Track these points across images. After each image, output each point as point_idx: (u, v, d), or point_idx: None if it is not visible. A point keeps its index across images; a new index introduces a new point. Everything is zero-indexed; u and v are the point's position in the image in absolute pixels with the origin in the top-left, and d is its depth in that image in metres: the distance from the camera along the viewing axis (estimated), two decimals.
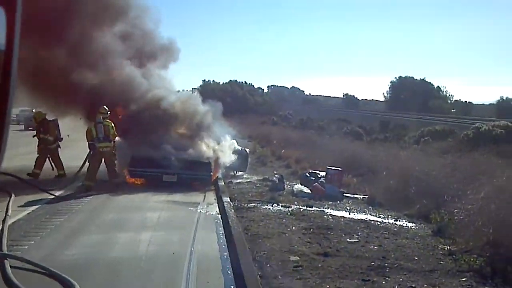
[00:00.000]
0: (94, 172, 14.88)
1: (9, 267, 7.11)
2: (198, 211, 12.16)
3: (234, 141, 20.20)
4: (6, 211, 10.73)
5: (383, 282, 7.17)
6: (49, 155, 16.33)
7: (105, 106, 15.31)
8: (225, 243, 9.21)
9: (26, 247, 8.46)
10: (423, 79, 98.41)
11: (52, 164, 16.42)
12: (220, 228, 10.41)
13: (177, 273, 7.46)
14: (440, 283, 7.28)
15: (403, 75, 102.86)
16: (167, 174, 15.59)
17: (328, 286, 6.94)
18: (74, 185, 14.87)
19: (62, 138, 17.07)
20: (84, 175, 15.02)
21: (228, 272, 7.63)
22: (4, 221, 9.83)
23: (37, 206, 11.91)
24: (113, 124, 15.16)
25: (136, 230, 10.02)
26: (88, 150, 15.20)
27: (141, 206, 12.64)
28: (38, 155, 16.27)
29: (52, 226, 10.01)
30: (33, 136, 16.79)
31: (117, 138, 15.59)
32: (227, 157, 17.99)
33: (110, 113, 15.34)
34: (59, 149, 16.71)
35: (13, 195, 12.53)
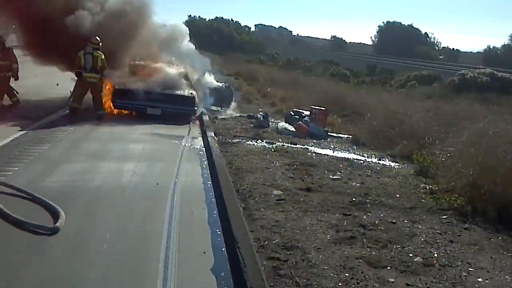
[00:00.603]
0: (79, 96, 14.87)
1: None
2: (183, 144, 12.15)
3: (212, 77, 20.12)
4: None
5: (364, 217, 7.28)
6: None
7: (97, 37, 15.03)
8: (209, 176, 9.25)
9: (10, 173, 8.41)
10: (411, 25, 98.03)
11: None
12: (204, 161, 10.43)
13: (161, 203, 7.50)
14: (420, 220, 7.40)
15: (391, 20, 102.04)
16: (151, 107, 15.50)
17: (309, 219, 7.03)
18: (59, 113, 14.81)
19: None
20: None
21: (212, 203, 7.69)
22: None
23: (20, 134, 11.81)
24: (103, 56, 14.92)
25: (119, 160, 9.99)
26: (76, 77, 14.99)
27: (125, 137, 12.57)
28: None
29: (36, 154, 9.94)
30: None
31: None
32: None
33: (101, 45, 15.05)
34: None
35: None
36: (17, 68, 15.38)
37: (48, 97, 17.05)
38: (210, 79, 20.15)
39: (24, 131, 12.06)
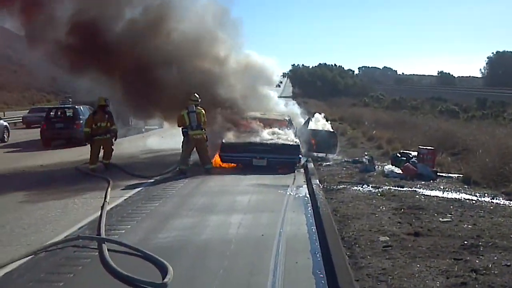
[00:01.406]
0: (187, 157, 15.43)
1: (106, 250, 7.48)
2: (288, 193, 12.21)
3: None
4: (105, 198, 11.28)
5: (476, 261, 6.92)
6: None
7: (195, 94, 15.68)
8: (314, 224, 9.21)
9: (123, 231, 8.84)
10: None
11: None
12: (309, 209, 10.41)
13: (266, 254, 7.54)
14: None
15: (501, 50, 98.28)
16: (256, 159, 15.84)
17: (418, 265, 6.79)
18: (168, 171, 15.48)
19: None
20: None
21: (317, 252, 7.63)
22: (102, 207, 10.33)
23: (133, 192, 12.43)
24: (204, 112, 15.48)
25: (226, 213, 10.21)
26: (182, 137, 15.61)
27: (232, 190, 12.87)
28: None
29: (147, 211, 10.38)
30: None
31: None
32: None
33: (200, 101, 15.66)
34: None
35: (111, 182, 13.18)
36: (116, 129, 16.59)
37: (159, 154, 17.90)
38: (315, 124, 20.33)
39: (137, 189, 12.69)
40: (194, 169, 15.76)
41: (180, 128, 15.59)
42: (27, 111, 43.49)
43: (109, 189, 12.39)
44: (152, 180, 14.08)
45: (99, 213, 9.88)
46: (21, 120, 41.34)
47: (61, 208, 10.67)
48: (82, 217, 9.88)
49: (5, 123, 29.48)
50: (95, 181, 13.89)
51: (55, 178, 14.50)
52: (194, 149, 15.51)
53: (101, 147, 15.93)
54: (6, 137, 28.54)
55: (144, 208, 10.68)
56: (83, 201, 11.35)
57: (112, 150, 16.22)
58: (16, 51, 71.02)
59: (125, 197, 11.80)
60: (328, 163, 17.44)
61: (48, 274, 6.71)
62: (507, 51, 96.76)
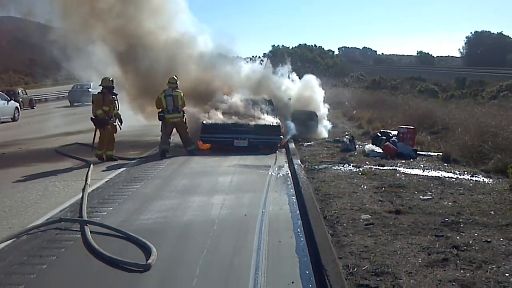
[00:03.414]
0: (166, 138, 15.37)
1: (89, 232, 7.47)
2: (269, 173, 12.24)
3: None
4: (86, 180, 11.22)
5: (457, 237, 7.01)
6: None
7: (174, 76, 15.63)
8: (296, 204, 9.25)
9: (105, 213, 8.80)
10: (501, 33, 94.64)
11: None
12: (291, 189, 10.46)
13: (249, 234, 7.57)
14: None
15: (479, 30, 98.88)
16: (238, 139, 15.83)
17: (400, 242, 6.86)
18: (149, 152, 15.44)
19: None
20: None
21: (299, 231, 7.67)
22: (84, 189, 10.28)
23: (114, 174, 12.37)
24: (182, 94, 15.46)
25: (208, 194, 10.20)
26: (159, 120, 15.56)
27: (213, 171, 12.86)
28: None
29: (129, 193, 10.35)
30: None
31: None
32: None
33: (179, 82, 15.62)
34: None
35: (92, 164, 13.10)
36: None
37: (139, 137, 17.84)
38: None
39: (118, 171, 12.64)
40: (176, 150, 15.74)
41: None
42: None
43: (90, 171, 12.32)
44: (133, 162, 14.02)
45: (81, 195, 9.86)
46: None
47: (41, 191, 10.59)
48: (63, 199, 9.82)
49: (16, 104, 31.18)
50: (75, 163, 13.79)
51: (34, 160, 14.34)
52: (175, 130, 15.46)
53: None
54: (17, 116, 30.48)
55: (125, 190, 10.64)
56: (63, 184, 11.27)
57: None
58: None
59: (106, 179, 11.74)
60: (309, 143, 17.47)
61: (30, 257, 6.67)
62: (486, 31, 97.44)
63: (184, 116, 15.61)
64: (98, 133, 14.69)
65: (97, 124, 14.55)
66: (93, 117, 14.60)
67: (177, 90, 15.46)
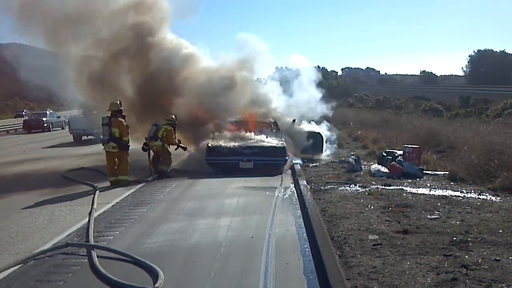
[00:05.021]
0: (151, 161, 16.15)
1: (96, 257, 7.44)
2: (276, 195, 12.21)
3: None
4: (92, 204, 11.22)
5: (466, 257, 6.97)
6: None
7: (173, 116, 16.66)
8: (303, 225, 9.22)
9: (112, 237, 8.79)
10: (503, 50, 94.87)
11: None
12: (298, 211, 10.42)
13: (257, 256, 7.53)
14: None
15: (482, 48, 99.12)
16: (243, 161, 15.84)
17: (408, 262, 6.82)
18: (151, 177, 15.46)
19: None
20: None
21: (307, 253, 7.63)
22: (90, 213, 10.27)
23: (120, 198, 12.37)
24: (168, 128, 16.15)
25: (215, 216, 10.18)
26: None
27: (220, 193, 12.85)
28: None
29: (135, 216, 10.33)
30: None
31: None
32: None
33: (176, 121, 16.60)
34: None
35: (97, 188, 13.12)
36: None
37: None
38: (301, 126, 20.36)
39: (124, 195, 12.65)
40: (180, 173, 15.82)
41: None
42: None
43: (96, 195, 12.33)
44: (139, 186, 14.03)
45: (87, 220, 9.83)
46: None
47: (48, 216, 10.58)
48: (70, 224, 9.80)
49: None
50: (81, 188, 13.80)
51: (41, 186, 14.35)
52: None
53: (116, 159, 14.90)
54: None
55: (132, 213, 10.63)
56: (70, 208, 11.27)
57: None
58: None
59: (112, 203, 11.73)
60: (315, 164, 17.47)
61: (37, 282, 6.65)
62: (488, 49, 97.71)
63: (163, 146, 16.10)
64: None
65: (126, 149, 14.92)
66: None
67: (166, 125, 16.29)
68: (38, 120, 44.51)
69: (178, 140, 16.55)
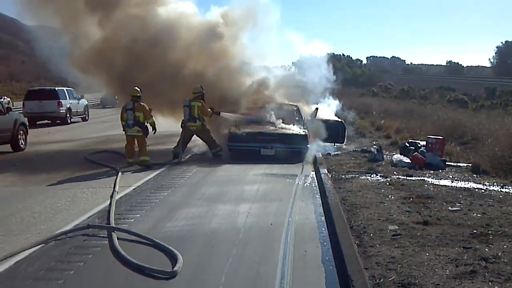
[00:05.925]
0: (182, 143, 16.34)
1: (116, 239, 7.53)
2: (296, 182, 12.21)
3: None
4: (114, 187, 11.34)
5: (486, 249, 6.91)
6: None
7: (199, 86, 16.60)
8: (323, 213, 9.21)
9: (132, 220, 8.88)
10: None
11: None
12: (318, 199, 10.42)
13: (275, 243, 7.55)
14: None
15: (510, 39, 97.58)
16: (265, 148, 15.83)
17: (427, 254, 6.78)
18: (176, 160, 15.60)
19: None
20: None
21: (325, 241, 7.63)
22: (112, 196, 10.38)
23: (142, 182, 12.47)
24: (199, 104, 16.20)
25: (235, 202, 10.22)
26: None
27: (240, 179, 12.89)
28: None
29: (156, 200, 10.42)
30: None
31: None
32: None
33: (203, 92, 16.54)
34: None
35: (120, 172, 13.23)
36: None
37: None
38: (324, 113, 20.19)
39: (146, 179, 12.75)
40: (202, 159, 16.00)
41: None
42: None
43: (118, 178, 12.45)
44: (160, 170, 14.12)
45: (108, 202, 9.95)
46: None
47: (70, 197, 10.71)
48: (92, 206, 9.93)
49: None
50: (103, 171, 13.94)
51: (64, 167, 14.52)
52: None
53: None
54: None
55: (153, 197, 10.72)
56: (92, 191, 11.40)
57: None
58: (24, 42, 71.20)
59: (134, 187, 11.84)
60: (336, 153, 17.41)
61: (58, 262, 6.75)
62: None
63: (203, 124, 16.37)
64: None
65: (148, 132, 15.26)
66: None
67: (197, 100, 16.22)
68: None
69: (210, 109, 16.56)
